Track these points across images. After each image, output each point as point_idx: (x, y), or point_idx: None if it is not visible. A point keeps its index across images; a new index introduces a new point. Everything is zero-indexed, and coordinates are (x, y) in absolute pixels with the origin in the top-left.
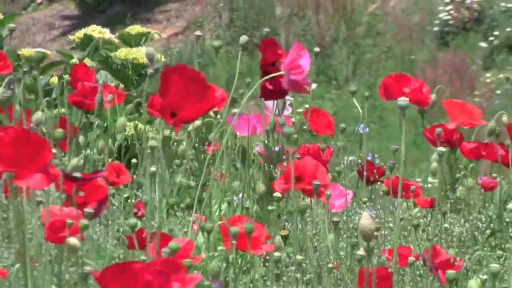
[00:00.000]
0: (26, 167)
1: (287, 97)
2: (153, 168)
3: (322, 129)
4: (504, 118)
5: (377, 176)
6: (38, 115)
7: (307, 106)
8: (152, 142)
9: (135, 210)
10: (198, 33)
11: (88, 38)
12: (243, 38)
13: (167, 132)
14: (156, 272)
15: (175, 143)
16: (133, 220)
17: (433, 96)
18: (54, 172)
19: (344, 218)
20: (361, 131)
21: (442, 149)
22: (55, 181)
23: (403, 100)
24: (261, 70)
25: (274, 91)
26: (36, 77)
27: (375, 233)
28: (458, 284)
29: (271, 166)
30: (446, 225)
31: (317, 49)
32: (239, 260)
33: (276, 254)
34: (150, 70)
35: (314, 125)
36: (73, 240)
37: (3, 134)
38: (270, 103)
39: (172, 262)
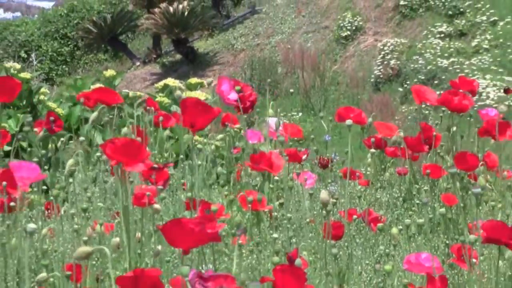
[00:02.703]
0: (133, 160)
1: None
2: (199, 162)
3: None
4: (400, 134)
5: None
6: (94, 115)
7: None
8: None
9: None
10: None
11: (166, 86)
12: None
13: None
14: (196, 223)
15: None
16: (188, 193)
17: (370, 119)
18: (147, 163)
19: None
20: (326, 139)
21: (373, 150)
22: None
23: (349, 121)
24: None
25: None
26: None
27: (331, 202)
28: (385, 231)
29: None
30: (378, 195)
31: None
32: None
33: (275, 214)
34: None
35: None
36: (156, 205)
37: (118, 142)
38: (272, 123)
39: (208, 216)
